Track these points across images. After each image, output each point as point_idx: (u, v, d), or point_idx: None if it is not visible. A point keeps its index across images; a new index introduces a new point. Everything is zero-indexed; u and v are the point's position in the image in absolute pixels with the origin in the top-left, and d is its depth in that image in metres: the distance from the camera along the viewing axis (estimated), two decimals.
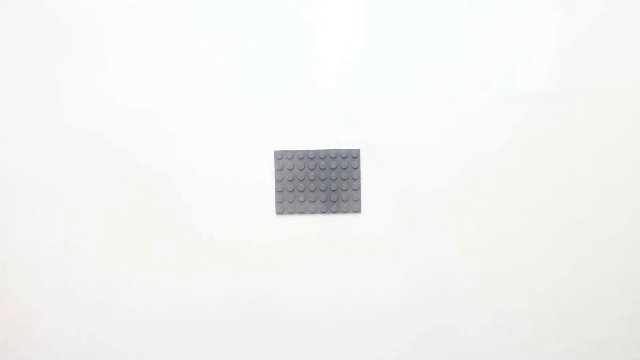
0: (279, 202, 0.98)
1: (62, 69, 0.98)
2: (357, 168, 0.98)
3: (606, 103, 0.99)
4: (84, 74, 0.98)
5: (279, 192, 0.98)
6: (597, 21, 0.98)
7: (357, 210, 0.99)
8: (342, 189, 0.98)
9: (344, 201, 0.98)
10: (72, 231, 0.98)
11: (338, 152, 0.97)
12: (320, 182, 0.98)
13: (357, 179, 0.98)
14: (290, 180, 0.98)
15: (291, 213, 0.98)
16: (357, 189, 0.98)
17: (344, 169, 0.98)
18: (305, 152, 0.97)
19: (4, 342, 0.99)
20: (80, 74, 0.98)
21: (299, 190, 0.98)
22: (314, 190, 0.98)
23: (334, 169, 0.98)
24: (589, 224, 1.00)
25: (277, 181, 0.98)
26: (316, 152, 0.97)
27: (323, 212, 0.99)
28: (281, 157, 0.98)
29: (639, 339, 1.01)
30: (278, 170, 0.98)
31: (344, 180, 0.98)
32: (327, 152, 0.97)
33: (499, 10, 0.98)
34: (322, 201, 0.98)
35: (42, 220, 0.98)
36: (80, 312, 0.99)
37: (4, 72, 0.98)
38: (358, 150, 0.97)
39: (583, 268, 1.00)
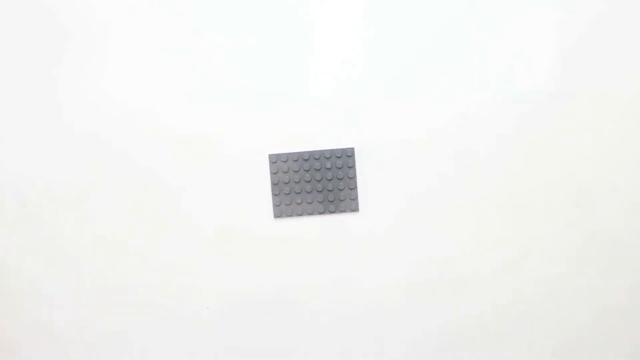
0: (276, 206, 0.98)
1: (61, 68, 0.98)
2: (353, 167, 0.97)
3: (606, 103, 0.98)
4: (84, 74, 0.98)
5: (275, 195, 0.98)
6: (597, 21, 0.97)
7: (355, 208, 0.99)
8: (338, 189, 0.98)
9: (342, 200, 0.98)
10: (71, 232, 0.99)
11: (332, 151, 0.97)
12: (316, 182, 0.98)
13: (353, 178, 0.98)
14: (286, 183, 0.98)
15: (289, 216, 0.98)
16: (354, 188, 0.98)
17: (339, 168, 0.97)
18: (300, 153, 0.97)
19: (2, 343, 1.00)
20: (80, 74, 0.98)
21: (296, 192, 0.98)
22: (310, 192, 0.98)
23: (329, 168, 0.98)
24: (590, 224, 0.99)
25: (273, 184, 0.98)
26: (311, 153, 0.97)
27: (321, 213, 0.99)
28: (275, 160, 0.98)
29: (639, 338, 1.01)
30: (273, 173, 0.98)
31: (340, 179, 0.98)
32: (321, 152, 0.97)
33: (498, 10, 0.98)
34: (319, 202, 0.98)
35: (42, 220, 0.99)
36: (78, 312, 0.99)
37: (3, 71, 0.98)
38: (352, 149, 0.97)
39: (583, 268, 1.00)
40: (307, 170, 0.98)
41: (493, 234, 0.99)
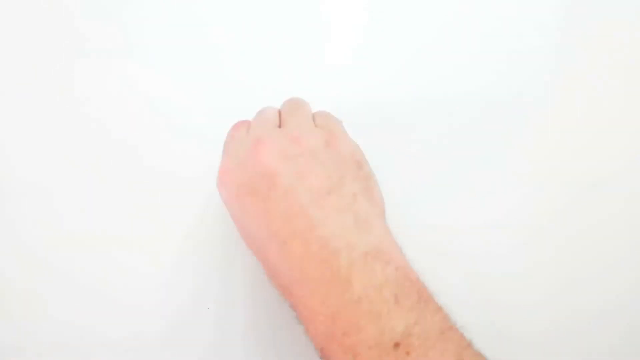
0: None
1: (63, 67, 0.98)
2: None
3: (606, 101, 0.99)
4: (91, 73, 0.99)
5: None
6: (597, 20, 0.98)
7: None
8: None
9: None
10: (75, 232, 0.98)
11: None
12: None
13: None
14: None
15: None
16: None
17: None
18: None
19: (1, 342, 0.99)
20: (88, 73, 0.99)
21: None
22: None
23: None
24: (589, 225, 0.99)
25: None
26: None
27: None
28: None
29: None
30: None
31: None
32: None
33: (497, 9, 0.99)
34: None
35: (43, 217, 0.98)
36: (78, 312, 0.98)
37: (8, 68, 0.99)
38: None
39: (583, 266, 0.99)
40: None
41: (492, 234, 0.98)
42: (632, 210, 1.00)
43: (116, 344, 0.99)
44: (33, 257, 0.98)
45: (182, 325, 0.98)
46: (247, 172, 0.57)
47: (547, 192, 1.00)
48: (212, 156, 0.99)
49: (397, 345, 0.44)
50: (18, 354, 0.98)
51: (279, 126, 0.71)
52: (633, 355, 0.97)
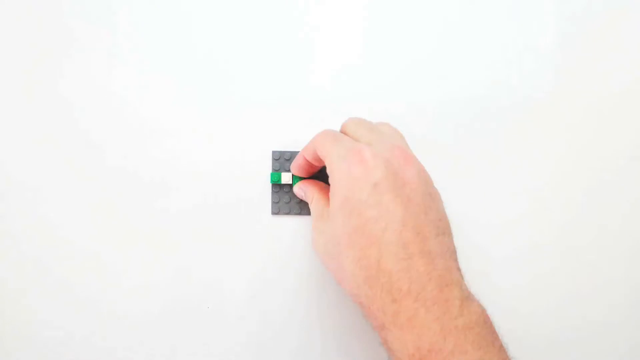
0: (274, 203, 0.98)
1: (62, 67, 0.98)
2: None
3: (606, 101, 0.99)
4: (82, 71, 0.98)
5: (275, 192, 0.98)
6: (597, 21, 0.98)
7: None
8: None
9: None
10: (77, 233, 0.98)
11: None
12: None
13: None
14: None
15: (287, 214, 0.98)
16: None
17: None
18: None
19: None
20: (79, 72, 0.98)
21: None
22: None
23: None
24: (588, 226, 0.99)
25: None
26: None
27: None
28: (279, 157, 0.98)
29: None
30: (275, 170, 0.98)
31: None
32: None
33: (497, 10, 0.99)
34: None
35: (39, 218, 0.98)
36: (73, 311, 0.98)
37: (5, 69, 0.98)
38: None
39: (582, 265, 0.99)
40: None
41: (490, 234, 0.99)
42: (633, 210, 1.00)
43: (114, 344, 0.99)
44: (27, 260, 0.98)
45: (182, 325, 0.98)
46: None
47: (548, 192, 1.00)
48: (204, 156, 0.99)
49: None
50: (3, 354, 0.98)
51: None
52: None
